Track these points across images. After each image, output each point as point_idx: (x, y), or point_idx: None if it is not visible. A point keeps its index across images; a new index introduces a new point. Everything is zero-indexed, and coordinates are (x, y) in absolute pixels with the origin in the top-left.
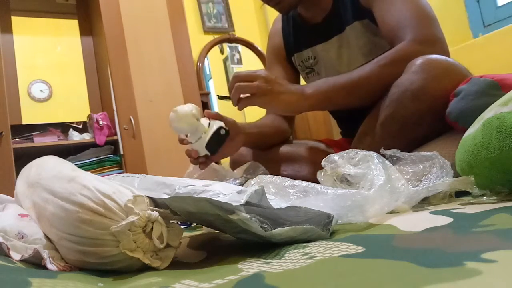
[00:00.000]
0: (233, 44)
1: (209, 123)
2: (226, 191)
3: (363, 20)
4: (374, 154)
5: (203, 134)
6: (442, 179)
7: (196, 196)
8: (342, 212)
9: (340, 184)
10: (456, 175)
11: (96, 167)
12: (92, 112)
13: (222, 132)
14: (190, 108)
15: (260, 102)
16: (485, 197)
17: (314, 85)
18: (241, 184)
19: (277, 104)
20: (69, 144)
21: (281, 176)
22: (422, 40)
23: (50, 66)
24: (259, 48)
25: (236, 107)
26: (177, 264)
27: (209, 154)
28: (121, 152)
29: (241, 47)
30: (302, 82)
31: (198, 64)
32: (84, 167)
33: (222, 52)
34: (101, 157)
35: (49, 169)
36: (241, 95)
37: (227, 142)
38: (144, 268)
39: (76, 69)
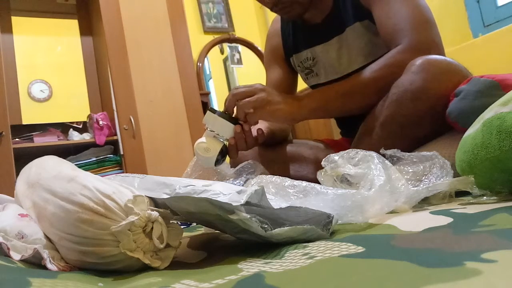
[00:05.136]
0: (233, 44)
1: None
2: (226, 191)
3: (364, 21)
4: (374, 154)
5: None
6: (442, 179)
7: (196, 196)
8: (342, 212)
9: (340, 184)
10: (456, 175)
11: (96, 167)
12: (92, 112)
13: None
14: (200, 147)
15: (262, 113)
16: (485, 197)
17: (309, 94)
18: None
19: (277, 114)
20: (69, 144)
21: (281, 175)
22: (417, 45)
23: (50, 66)
24: (259, 48)
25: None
26: (177, 264)
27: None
28: (121, 152)
29: (241, 47)
30: (301, 82)
31: (198, 64)
32: (84, 167)
33: (222, 52)
34: (101, 157)
35: (49, 169)
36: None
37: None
38: (144, 268)
39: (76, 69)
